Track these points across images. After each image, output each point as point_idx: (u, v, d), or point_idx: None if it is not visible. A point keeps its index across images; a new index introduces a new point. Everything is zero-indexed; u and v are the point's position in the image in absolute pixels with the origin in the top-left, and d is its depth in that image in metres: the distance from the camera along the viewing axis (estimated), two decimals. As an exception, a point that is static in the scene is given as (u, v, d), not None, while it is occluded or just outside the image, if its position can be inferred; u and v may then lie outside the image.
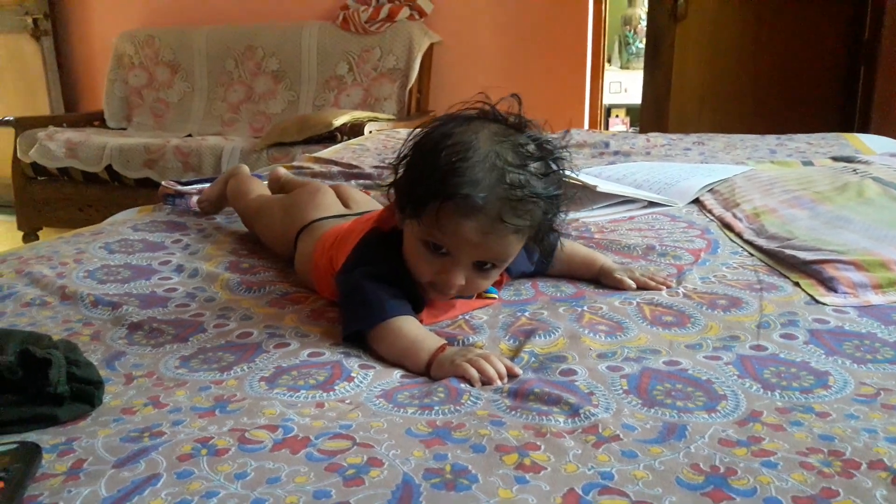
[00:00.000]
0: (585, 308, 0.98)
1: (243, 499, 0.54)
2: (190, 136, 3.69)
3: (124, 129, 3.99)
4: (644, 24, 5.00)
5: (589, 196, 1.46)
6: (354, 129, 3.05)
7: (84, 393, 0.69)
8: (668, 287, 1.04)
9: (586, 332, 0.89)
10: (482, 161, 0.82)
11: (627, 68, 5.29)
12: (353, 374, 0.78)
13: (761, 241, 1.23)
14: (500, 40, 3.62)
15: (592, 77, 3.67)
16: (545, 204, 0.86)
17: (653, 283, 1.04)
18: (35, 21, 4.29)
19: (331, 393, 0.73)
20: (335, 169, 1.86)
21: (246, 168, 1.49)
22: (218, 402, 0.71)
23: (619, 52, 5.39)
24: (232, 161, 3.20)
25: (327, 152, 2.13)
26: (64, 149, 3.47)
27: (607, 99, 4.96)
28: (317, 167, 1.90)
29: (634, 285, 1.04)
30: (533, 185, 0.84)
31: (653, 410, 0.69)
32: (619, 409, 0.69)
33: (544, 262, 1.08)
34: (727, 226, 1.36)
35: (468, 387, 0.75)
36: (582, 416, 0.68)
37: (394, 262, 0.91)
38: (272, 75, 3.85)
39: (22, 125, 3.64)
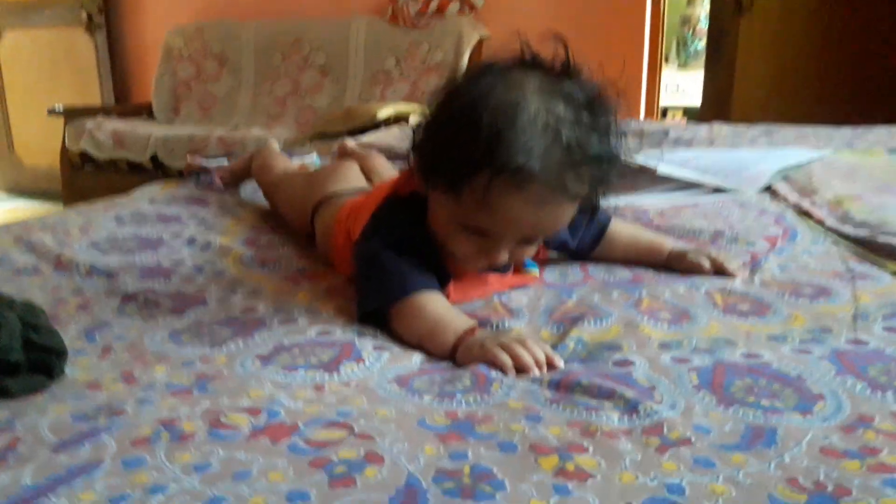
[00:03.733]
0: (644, 294, 0.83)
1: (196, 496, 0.42)
2: (237, 128, 3.65)
3: (171, 121, 3.97)
4: (703, 24, 4.79)
5: (648, 179, 1.31)
6: (399, 122, 2.95)
7: (42, 363, 0.58)
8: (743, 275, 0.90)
9: (645, 319, 0.75)
10: (532, 122, 0.68)
11: (685, 68, 5.08)
12: (363, 356, 0.65)
13: (847, 229, 1.07)
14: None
15: (649, 77, 3.49)
16: (606, 164, 0.73)
17: (730, 268, 0.90)
18: (89, 16, 4.32)
19: (334, 374, 0.61)
20: (374, 151, 1.75)
21: (275, 143, 1.40)
22: (199, 380, 0.60)
23: (678, 52, 5.20)
24: (274, 152, 3.12)
25: (368, 137, 2.03)
26: (111, 139, 3.47)
27: (664, 100, 4.76)
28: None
29: (709, 266, 0.90)
30: (593, 144, 0.70)
31: (731, 409, 0.55)
32: (688, 407, 0.55)
33: (592, 237, 0.94)
34: (805, 213, 1.20)
35: (500, 375, 0.62)
36: (642, 412, 0.54)
37: (416, 229, 0.78)
38: (319, 70, 3.78)
39: (71, 115, 3.64)
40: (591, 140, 0.70)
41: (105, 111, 3.85)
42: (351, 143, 1.49)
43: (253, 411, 0.53)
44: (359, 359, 0.64)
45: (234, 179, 1.38)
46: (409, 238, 0.77)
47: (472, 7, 3.55)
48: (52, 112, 3.66)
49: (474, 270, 0.81)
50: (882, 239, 0.98)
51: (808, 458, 0.48)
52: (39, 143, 4.38)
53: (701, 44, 4.79)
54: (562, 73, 0.73)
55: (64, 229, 1.07)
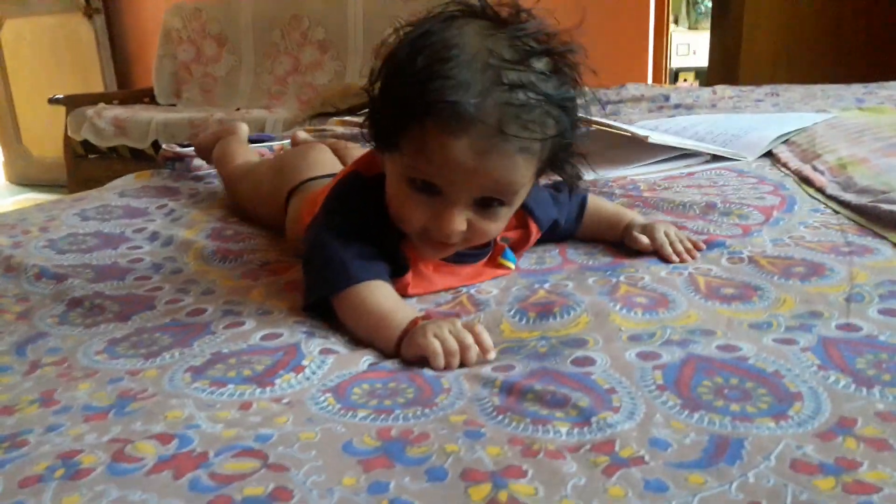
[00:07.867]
0: (622, 278, 0.78)
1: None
2: (238, 110, 3.59)
3: (174, 105, 3.93)
4: (715, -21, 4.63)
5: (638, 149, 1.24)
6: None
7: (-51, 387, 0.54)
8: (700, 249, 0.84)
9: (618, 307, 0.70)
10: (471, 60, 0.62)
11: (696, 29, 4.93)
12: (304, 363, 0.60)
13: (849, 196, 1.00)
14: (556, -3, 3.35)
15: (656, 37, 3.39)
16: (557, 111, 0.66)
17: (666, 252, 0.82)
18: (87, 0, 4.26)
19: (267, 389, 0.56)
20: (358, 131, 1.69)
21: (245, 128, 1.34)
22: (120, 399, 0.55)
23: (687, 11, 5.04)
24: (275, 133, 3.07)
25: (356, 116, 1.96)
26: (112, 126, 3.44)
27: (675, 62, 4.62)
28: (340, 129, 1.73)
29: (646, 241, 0.84)
30: (539, 86, 0.64)
31: (696, 416, 0.50)
32: (647, 415, 0.50)
33: (575, 212, 0.90)
34: (806, 180, 1.12)
35: (451, 378, 0.57)
36: (594, 425, 0.49)
37: (373, 213, 0.73)
38: (318, 45, 3.71)
39: (72, 103, 3.61)
40: (537, 83, 0.64)
41: (106, 98, 3.81)
42: (302, 134, 1.44)
43: (164, 438, 0.48)
44: (298, 367, 0.59)
45: (206, 154, 1.35)
46: (364, 223, 0.72)
47: (473, -27, 3.44)
48: (53, 101, 3.63)
49: (440, 253, 0.74)
50: (884, 206, 0.91)
51: (775, 475, 0.42)
52: (46, 133, 4.35)
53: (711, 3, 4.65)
54: (511, 22, 0.67)
55: (24, 228, 1.03)
